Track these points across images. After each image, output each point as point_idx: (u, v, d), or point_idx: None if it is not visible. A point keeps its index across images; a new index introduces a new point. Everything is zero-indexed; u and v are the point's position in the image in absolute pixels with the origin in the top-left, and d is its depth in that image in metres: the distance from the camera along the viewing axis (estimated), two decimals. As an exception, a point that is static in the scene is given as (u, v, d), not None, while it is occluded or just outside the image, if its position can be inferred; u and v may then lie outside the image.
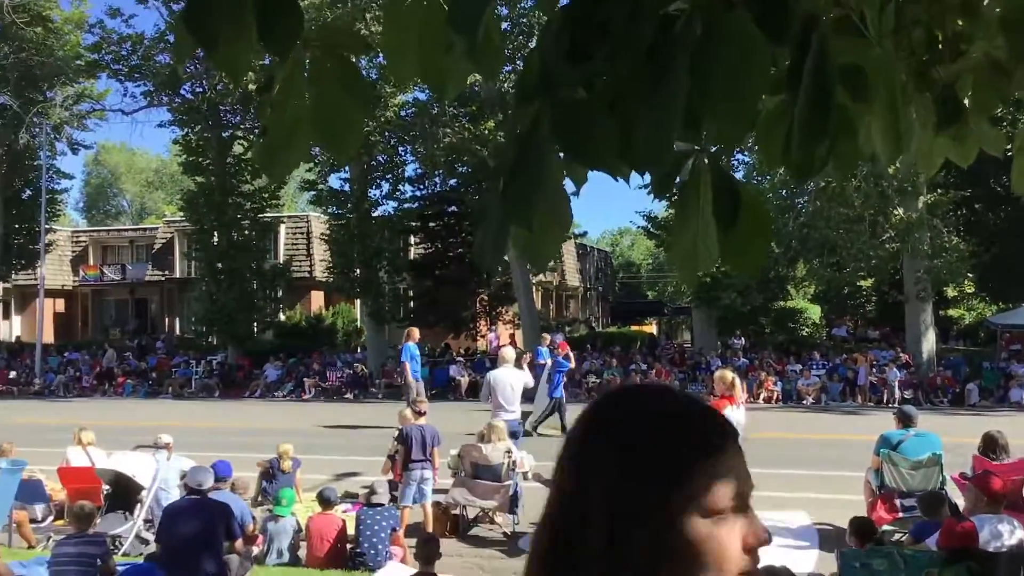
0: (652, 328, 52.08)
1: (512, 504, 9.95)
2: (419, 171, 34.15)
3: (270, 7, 1.30)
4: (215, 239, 32.16)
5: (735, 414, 9.01)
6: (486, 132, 27.60)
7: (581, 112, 1.22)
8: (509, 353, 12.43)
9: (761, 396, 24.74)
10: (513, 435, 11.08)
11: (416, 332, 18.68)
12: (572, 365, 19.11)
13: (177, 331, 41.51)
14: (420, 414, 11.08)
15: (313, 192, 33.46)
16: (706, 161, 1.32)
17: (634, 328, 46.87)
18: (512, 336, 34.85)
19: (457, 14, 1.25)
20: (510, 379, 11.81)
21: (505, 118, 27.85)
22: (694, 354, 30.55)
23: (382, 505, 8.66)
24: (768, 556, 8.66)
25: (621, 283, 65.78)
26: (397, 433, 10.57)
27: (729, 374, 9.43)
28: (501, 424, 10.49)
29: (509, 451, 10.15)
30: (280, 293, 35.63)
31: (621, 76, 1.18)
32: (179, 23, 1.35)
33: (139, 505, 9.42)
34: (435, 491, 10.05)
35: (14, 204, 34.57)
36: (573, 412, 12.05)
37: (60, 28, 32.21)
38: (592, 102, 1.21)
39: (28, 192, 35.26)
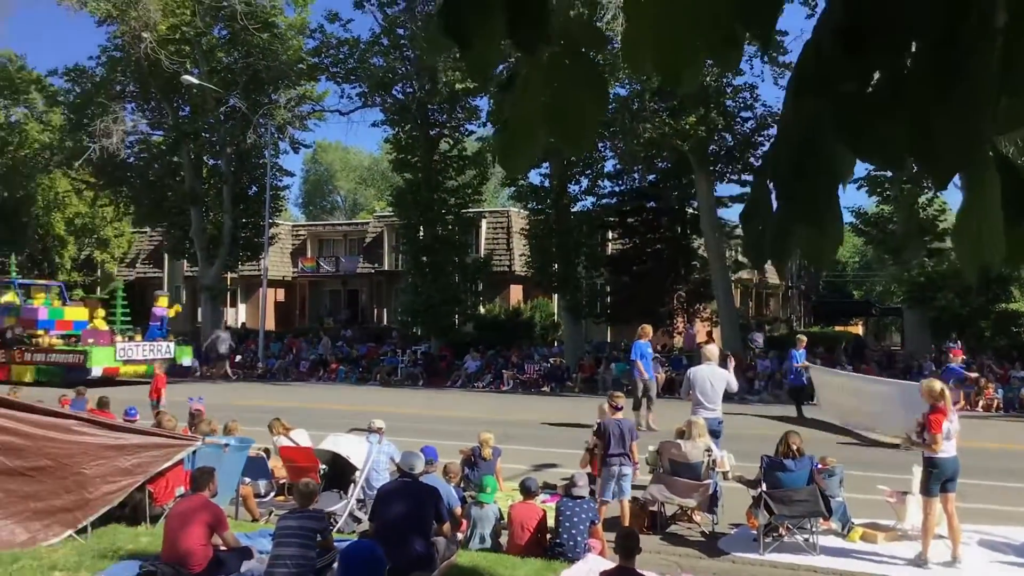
0: (858, 329, 49.65)
1: (711, 503, 9.79)
2: (618, 167, 34.10)
3: (521, 7, 1.35)
4: (421, 234, 33.38)
5: (952, 424, 8.50)
6: (687, 127, 27.18)
7: (866, 107, 1.18)
8: (713, 350, 12.22)
9: (980, 404, 23.08)
10: (713, 434, 10.89)
11: (649, 330, 19.00)
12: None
13: (385, 321, 43.45)
14: (617, 408, 11.07)
15: (514, 188, 34.07)
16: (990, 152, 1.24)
17: (838, 328, 44.85)
18: (709, 333, 34.18)
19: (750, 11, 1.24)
20: (710, 376, 11.61)
21: (707, 112, 27.31)
22: (905, 358, 28.88)
23: (582, 498, 8.72)
24: (988, 572, 8.10)
25: (825, 281, 63.06)
26: (595, 427, 10.62)
27: (937, 384, 8.86)
28: (701, 421, 10.34)
29: (709, 449, 9.99)
30: (481, 287, 36.54)
31: (910, 69, 1.14)
32: (432, 23, 1.42)
33: (352, 485, 9.93)
34: (633, 487, 10.02)
35: (241, 200, 37.21)
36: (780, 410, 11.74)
37: (284, 34, 34.39)
38: (877, 97, 1.17)
39: (254, 189, 37.86)
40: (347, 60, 33.20)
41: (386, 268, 43.72)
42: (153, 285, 45.77)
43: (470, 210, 35.91)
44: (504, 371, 29.65)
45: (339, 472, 10.22)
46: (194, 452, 9.49)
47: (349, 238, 48.23)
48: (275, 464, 11.41)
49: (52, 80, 39.48)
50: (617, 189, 34.66)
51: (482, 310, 37.85)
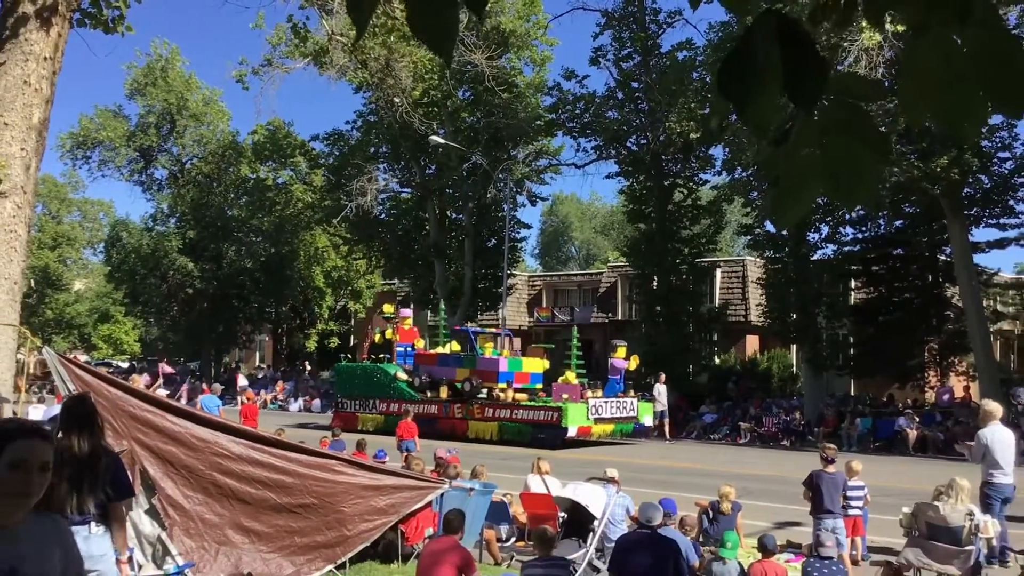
0: None
1: (975, 573, 9.06)
2: (861, 212, 32.59)
3: (798, 64, 1.40)
4: (655, 283, 33.34)
5: None
6: (938, 169, 25.58)
7: None
8: (997, 408, 11.27)
9: None
10: (1007, 501, 10.13)
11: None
12: None
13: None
14: (829, 461, 10.52)
15: (750, 237, 33.40)
16: None
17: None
18: (967, 389, 31.66)
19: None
20: (1006, 437, 10.78)
21: (960, 153, 25.60)
22: None
23: (830, 559, 8.33)
24: None
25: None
26: (807, 477, 10.24)
27: None
28: (964, 482, 9.61)
29: (971, 513, 9.26)
30: (715, 336, 35.88)
31: None
32: (713, 85, 1.50)
33: (591, 534, 9.99)
34: (884, 549, 9.45)
35: (481, 252, 38.80)
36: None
37: (523, 92, 35.84)
38: None
39: (493, 241, 39.38)
40: (583, 115, 34.08)
41: (620, 318, 43.89)
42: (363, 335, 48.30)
43: (705, 259, 35.53)
44: (741, 423, 28.85)
45: (578, 520, 10.32)
46: (442, 495, 9.91)
47: (583, 288, 48.84)
48: (516, 510, 11.70)
49: (314, 144, 43.18)
50: (860, 236, 33.09)
51: (717, 360, 37.12)
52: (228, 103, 74.04)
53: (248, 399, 24.12)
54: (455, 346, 27.84)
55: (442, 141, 34.20)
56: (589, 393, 25.03)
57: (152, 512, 8.32)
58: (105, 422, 6.70)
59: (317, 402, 39.34)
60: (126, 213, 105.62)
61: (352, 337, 54.41)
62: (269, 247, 48.03)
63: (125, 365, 50.39)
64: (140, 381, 19.11)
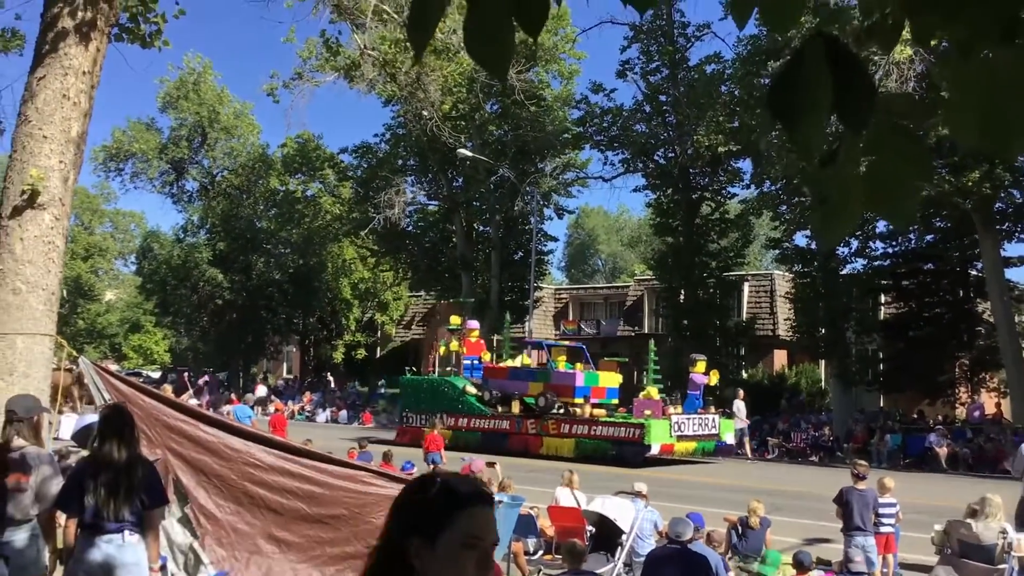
0: None
1: (1009, 592, 8.94)
2: (891, 226, 32.35)
3: (849, 86, 1.42)
4: (682, 297, 33.25)
5: None
6: (969, 184, 25.37)
7: None
8: None
9: None
10: None
11: None
12: None
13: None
14: (860, 478, 10.43)
15: (778, 251, 33.25)
16: None
17: None
18: (998, 405, 31.30)
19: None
20: None
21: (992, 168, 25.40)
22: None
23: (862, 574, 8.26)
24: None
25: None
26: (837, 494, 10.16)
27: None
28: (997, 499, 9.49)
29: (1004, 531, 9.15)
30: (743, 351, 35.71)
31: None
32: (762, 105, 1.52)
33: (620, 548, 9.97)
34: (916, 567, 9.36)
35: (508, 265, 38.91)
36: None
37: (551, 106, 35.97)
38: None
39: (519, 254, 39.48)
40: (610, 128, 34.13)
41: (646, 331, 43.74)
42: (427, 346, 48.42)
43: (732, 273, 35.40)
44: (769, 438, 28.64)
45: (606, 534, 10.31)
46: (470, 507, 9.90)
47: (610, 301, 48.76)
48: (544, 523, 11.69)
49: (343, 157, 43.53)
50: (890, 250, 32.87)
51: (745, 375, 36.91)
52: (259, 116, 74.78)
53: (277, 409, 24.28)
54: (525, 359, 27.20)
55: (470, 154, 34.36)
56: (671, 409, 24.18)
57: (184, 521, 8.40)
58: (140, 431, 6.79)
59: (344, 413, 39.49)
60: (157, 224, 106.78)
61: (378, 349, 54.61)
62: (297, 259, 48.42)
63: (156, 375, 50.84)
64: (170, 391, 19.30)
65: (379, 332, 54.55)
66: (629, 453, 22.53)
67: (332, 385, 47.23)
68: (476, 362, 28.04)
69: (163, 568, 7.50)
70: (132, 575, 5.60)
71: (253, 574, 8.55)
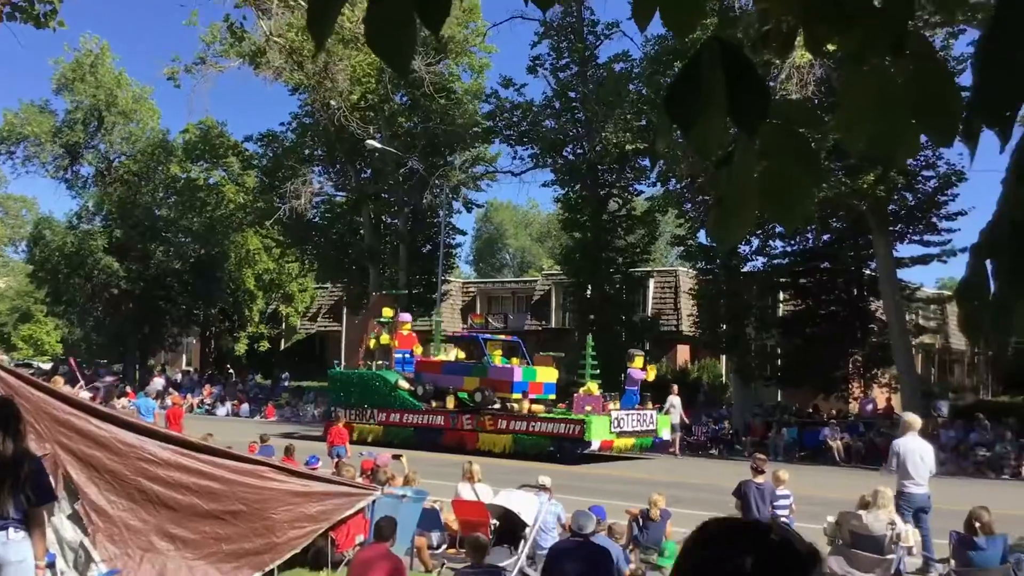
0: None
1: (895, 581, 9.33)
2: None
3: (742, 90, 1.45)
4: (589, 292, 33.61)
5: None
6: (864, 186, 26.30)
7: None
8: (915, 420, 11.64)
9: None
10: (922, 510, 10.42)
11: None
12: None
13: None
14: (758, 472, 10.77)
15: (683, 248, 33.89)
16: None
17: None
18: (888, 400, 32.59)
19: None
20: (919, 449, 11.10)
21: (886, 171, 26.35)
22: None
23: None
24: None
25: (1016, 347, 58.80)
26: (735, 487, 10.43)
27: None
28: (888, 492, 9.88)
29: (892, 522, 9.53)
30: (648, 346, 36.28)
31: None
32: (660, 106, 1.54)
33: (523, 541, 10.02)
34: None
35: (416, 258, 38.70)
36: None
37: (461, 99, 35.88)
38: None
39: (428, 247, 39.31)
40: (520, 123, 34.24)
41: (553, 326, 44.10)
42: (333, 339, 47.85)
43: (638, 269, 35.91)
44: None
45: (510, 528, 10.34)
46: (374, 501, 9.84)
47: (517, 295, 48.96)
48: (448, 517, 11.68)
49: (247, 145, 42.58)
50: (789, 249, 33.84)
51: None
52: (159, 101, 72.56)
53: (174, 402, 23.64)
54: (460, 354, 26.78)
55: (378, 146, 34.03)
56: (611, 405, 23.70)
57: (75, 517, 8.11)
58: (28, 425, 6.53)
59: (245, 407, 38.73)
60: (50, 210, 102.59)
61: (283, 341, 53.71)
62: (199, 248, 47.16)
63: (47, 366, 48.92)
64: (62, 382, 18.59)
65: (284, 324, 53.66)
66: (568, 449, 22.42)
67: (234, 378, 46.25)
68: (408, 355, 27.58)
69: (51, 566, 7.24)
70: (18, 573, 5.46)
71: (147, 572, 8.32)
